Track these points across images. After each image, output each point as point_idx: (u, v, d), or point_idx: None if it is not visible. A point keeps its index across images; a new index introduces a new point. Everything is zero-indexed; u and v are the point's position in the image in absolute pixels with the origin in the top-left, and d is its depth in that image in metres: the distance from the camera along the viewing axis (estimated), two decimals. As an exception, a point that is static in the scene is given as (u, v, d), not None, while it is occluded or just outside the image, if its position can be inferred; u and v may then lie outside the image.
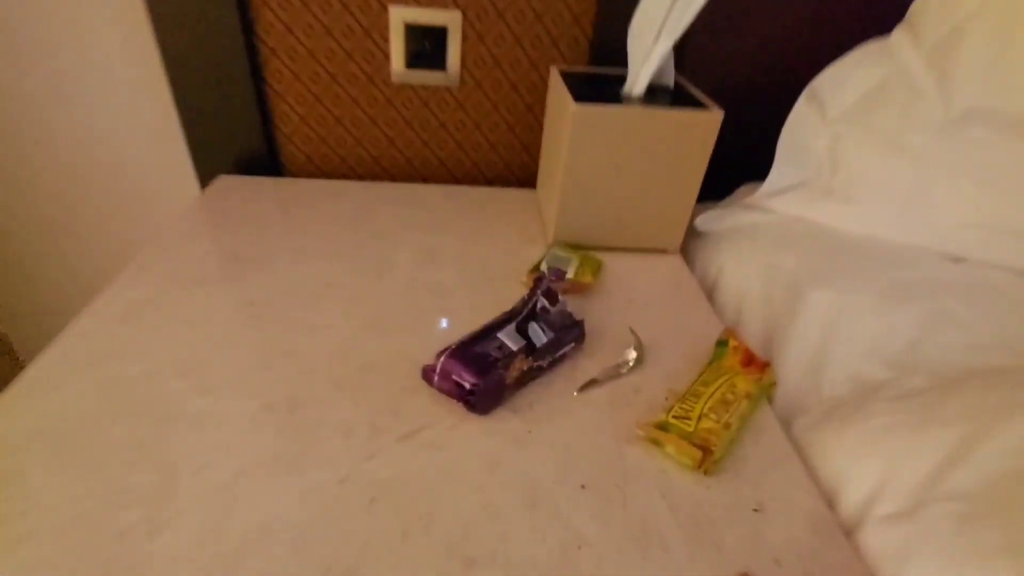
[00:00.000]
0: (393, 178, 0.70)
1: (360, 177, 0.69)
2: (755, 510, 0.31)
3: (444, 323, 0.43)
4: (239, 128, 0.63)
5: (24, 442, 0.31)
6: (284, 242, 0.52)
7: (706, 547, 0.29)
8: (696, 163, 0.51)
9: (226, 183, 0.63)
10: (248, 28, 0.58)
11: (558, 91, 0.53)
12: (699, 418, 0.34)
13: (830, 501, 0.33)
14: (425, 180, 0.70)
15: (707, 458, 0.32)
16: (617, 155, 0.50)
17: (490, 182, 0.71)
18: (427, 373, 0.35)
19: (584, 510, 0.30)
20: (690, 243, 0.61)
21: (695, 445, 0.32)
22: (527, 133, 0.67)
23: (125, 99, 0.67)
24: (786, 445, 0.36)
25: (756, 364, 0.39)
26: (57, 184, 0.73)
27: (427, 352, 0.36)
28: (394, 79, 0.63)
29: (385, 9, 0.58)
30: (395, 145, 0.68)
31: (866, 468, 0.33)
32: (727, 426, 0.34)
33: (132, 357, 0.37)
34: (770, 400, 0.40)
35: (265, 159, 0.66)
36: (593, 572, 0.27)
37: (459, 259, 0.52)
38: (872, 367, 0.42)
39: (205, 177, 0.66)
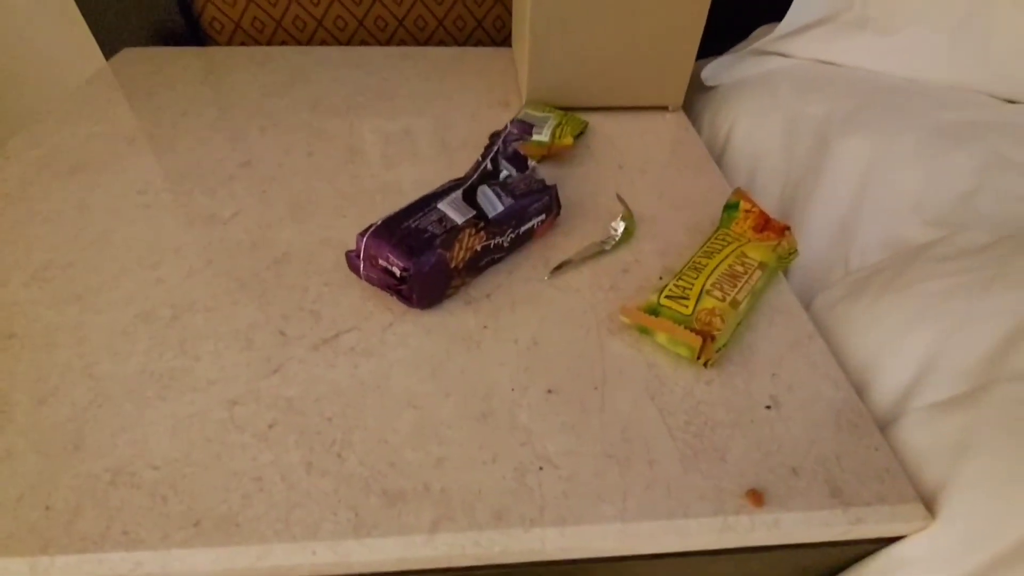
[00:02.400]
0: (338, 42, 0.55)
1: (298, 43, 0.55)
2: (767, 408, 0.23)
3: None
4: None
5: None
6: (193, 120, 0.40)
7: (705, 459, 0.21)
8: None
9: (132, 55, 0.49)
10: None
11: None
12: (699, 297, 0.25)
13: (861, 390, 0.25)
14: (379, 43, 0.56)
15: (708, 346, 0.24)
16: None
17: (459, 43, 0.56)
18: (351, 260, 0.26)
19: (549, 421, 0.22)
20: (695, 98, 0.48)
21: (693, 331, 0.24)
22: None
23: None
24: (808, 325, 0.27)
25: (772, 229, 0.29)
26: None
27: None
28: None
29: None
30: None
31: (911, 345, 0.25)
32: (735, 304, 0.25)
33: (-19, 263, 0.28)
34: (787, 273, 0.31)
35: (181, 27, 0.52)
36: (555, 499, 0.20)
37: (412, 128, 0.40)
38: (914, 228, 0.32)
39: (110, 51, 0.52)
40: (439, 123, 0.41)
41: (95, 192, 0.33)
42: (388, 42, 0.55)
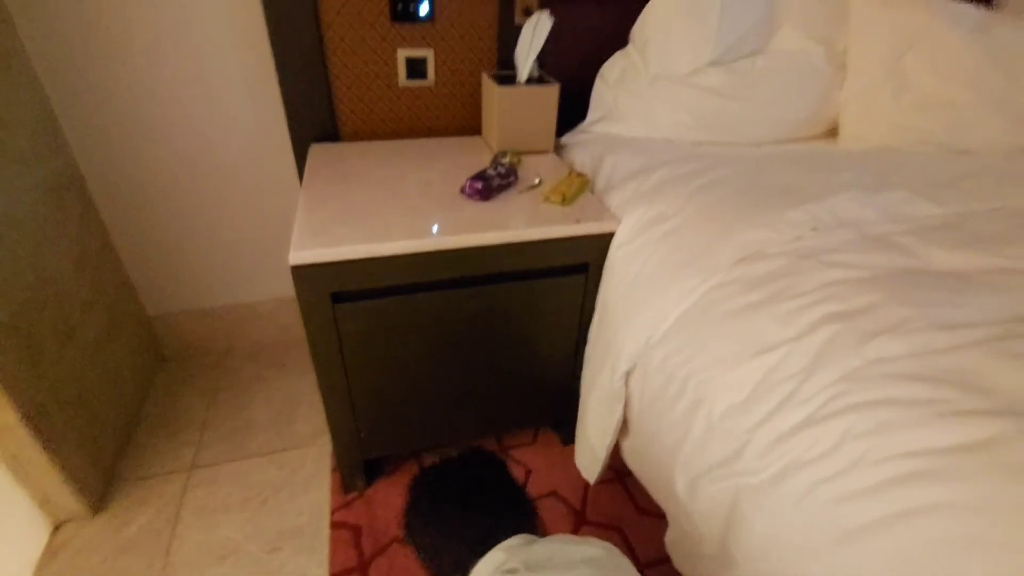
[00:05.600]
0: (397, 136, 1.16)
1: (382, 138, 1.15)
2: (577, 221, 0.84)
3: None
4: (320, 116, 1.07)
5: None
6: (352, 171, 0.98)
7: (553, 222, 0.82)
8: (552, 109, 1.04)
9: (317, 148, 1.06)
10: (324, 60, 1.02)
11: (487, 84, 1.03)
12: (563, 191, 0.87)
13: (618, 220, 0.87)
14: (416, 136, 1.17)
15: (564, 200, 0.85)
16: (519, 108, 1.01)
17: (456, 133, 1.19)
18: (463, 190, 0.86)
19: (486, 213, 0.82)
20: (558, 149, 1.14)
21: (562, 195, 0.86)
22: (473, 107, 1.17)
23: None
24: (599, 204, 0.89)
25: (583, 176, 0.93)
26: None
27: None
28: (400, 84, 1.09)
29: (395, 50, 1.05)
30: (401, 121, 1.14)
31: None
32: (570, 187, 0.87)
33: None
34: (590, 189, 0.95)
35: (334, 133, 1.10)
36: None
37: (446, 161, 1.01)
38: (633, 169, 0.97)
39: (299, 148, 1.08)
40: (461, 160, 1.02)
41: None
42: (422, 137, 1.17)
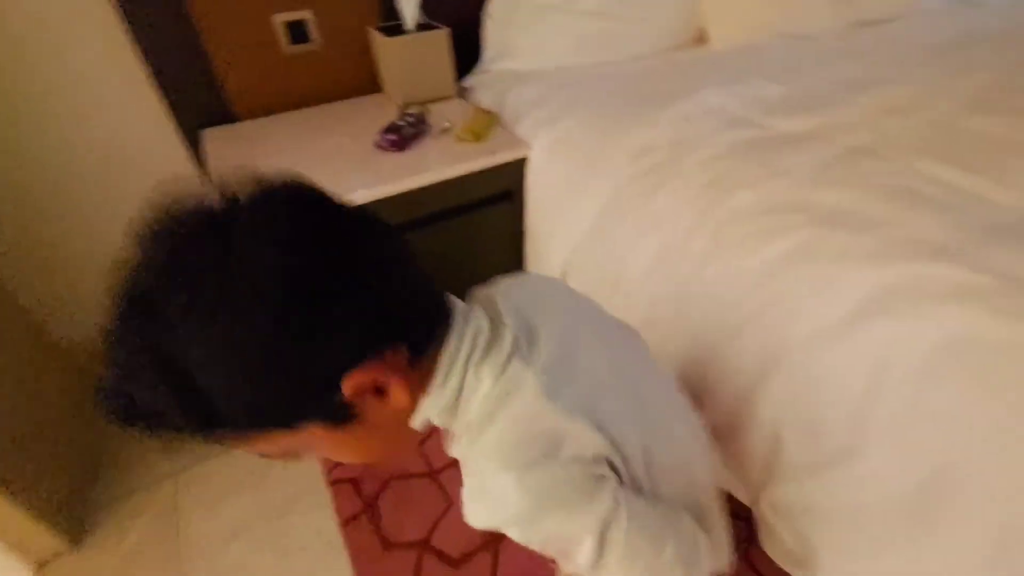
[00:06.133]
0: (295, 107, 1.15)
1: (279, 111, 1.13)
2: (492, 153, 0.92)
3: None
4: (205, 98, 1.03)
5: None
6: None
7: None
8: (445, 54, 1.08)
9: (211, 133, 1.03)
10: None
11: (375, 37, 1.04)
12: (473, 129, 0.94)
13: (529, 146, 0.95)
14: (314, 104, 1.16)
15: (477, 137, 0.92)
16: (412, 57, 1.04)
17: (355, 95, 1.19)
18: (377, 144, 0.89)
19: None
20: (463, 92, 1.18)
21: (473, 133, 0.92)
22: (367, 65, 1.17)
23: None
24: (510, 135, 0.97)
25: (489, 113, 0.99)
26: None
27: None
28: (285, 51, 1.07)
29: (271, 15, 1.02)
30: (292, 89, 1.12)
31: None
32: (479, 123, 0.94)
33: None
34: (499, 124, 1.01)
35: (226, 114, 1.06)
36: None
37: (352, 123, 1.03)
38: (534, 99, 1.05)
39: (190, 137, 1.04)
40: (375, 113, 1.05)
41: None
42: (316, 103, 1.16)
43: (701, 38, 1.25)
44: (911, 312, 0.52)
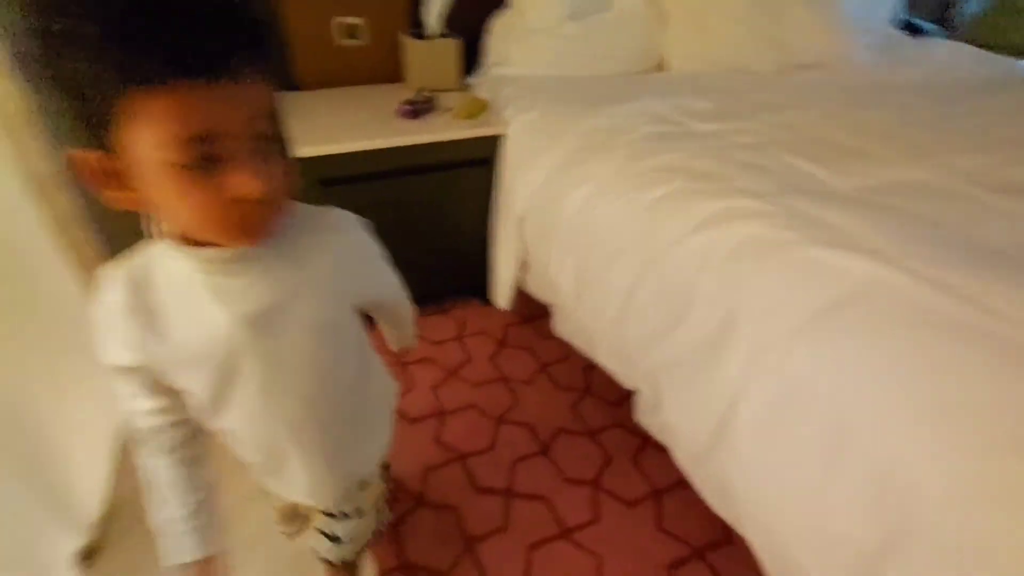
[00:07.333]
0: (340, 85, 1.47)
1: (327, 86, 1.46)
2: (479, 127, 1.22)
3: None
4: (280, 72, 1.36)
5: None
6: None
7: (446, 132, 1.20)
8: (454, 57, 1.40)
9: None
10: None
11: (404, 40, 1.37)
12: (467, 109, 1.24)
13: (507, 125, 1.25)
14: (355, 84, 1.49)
15: (469, 116, 1.22)
16: (430, 57, 1.37)
17: (385, 82, 1.52)
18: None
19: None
20: (466, 87, 1.50)
21: (468, 112, 1.22)
22: (395, 56, 1.49)
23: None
24: (495, 117, 1.27)
25: (482, 99, 1.30)
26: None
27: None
28: (338, 44, 1.40)
29: (330, 17, 1.36)
30: (341, 71, 1.45)
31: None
32: (473, 106, 1.24)
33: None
34: (487, 109, 1.32)
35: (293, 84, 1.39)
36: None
37: (381, 98, 1.35)
38: (518, 94, 1.35)
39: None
40: (400, 94, 1.36)
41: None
42: (357, 84, 1.49)
43: (660, 66, 1.56)
44: (726, 225, 0.79)
